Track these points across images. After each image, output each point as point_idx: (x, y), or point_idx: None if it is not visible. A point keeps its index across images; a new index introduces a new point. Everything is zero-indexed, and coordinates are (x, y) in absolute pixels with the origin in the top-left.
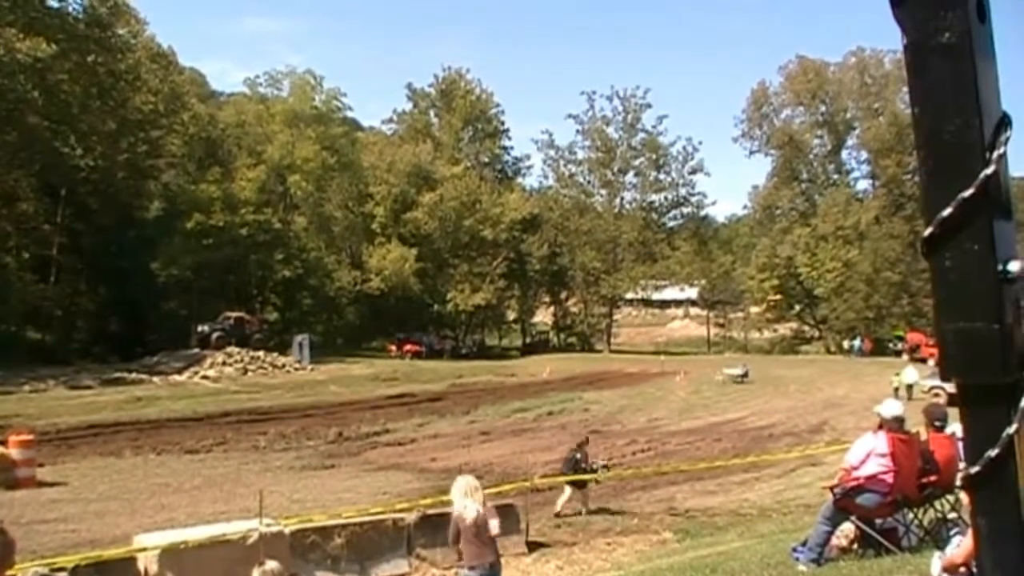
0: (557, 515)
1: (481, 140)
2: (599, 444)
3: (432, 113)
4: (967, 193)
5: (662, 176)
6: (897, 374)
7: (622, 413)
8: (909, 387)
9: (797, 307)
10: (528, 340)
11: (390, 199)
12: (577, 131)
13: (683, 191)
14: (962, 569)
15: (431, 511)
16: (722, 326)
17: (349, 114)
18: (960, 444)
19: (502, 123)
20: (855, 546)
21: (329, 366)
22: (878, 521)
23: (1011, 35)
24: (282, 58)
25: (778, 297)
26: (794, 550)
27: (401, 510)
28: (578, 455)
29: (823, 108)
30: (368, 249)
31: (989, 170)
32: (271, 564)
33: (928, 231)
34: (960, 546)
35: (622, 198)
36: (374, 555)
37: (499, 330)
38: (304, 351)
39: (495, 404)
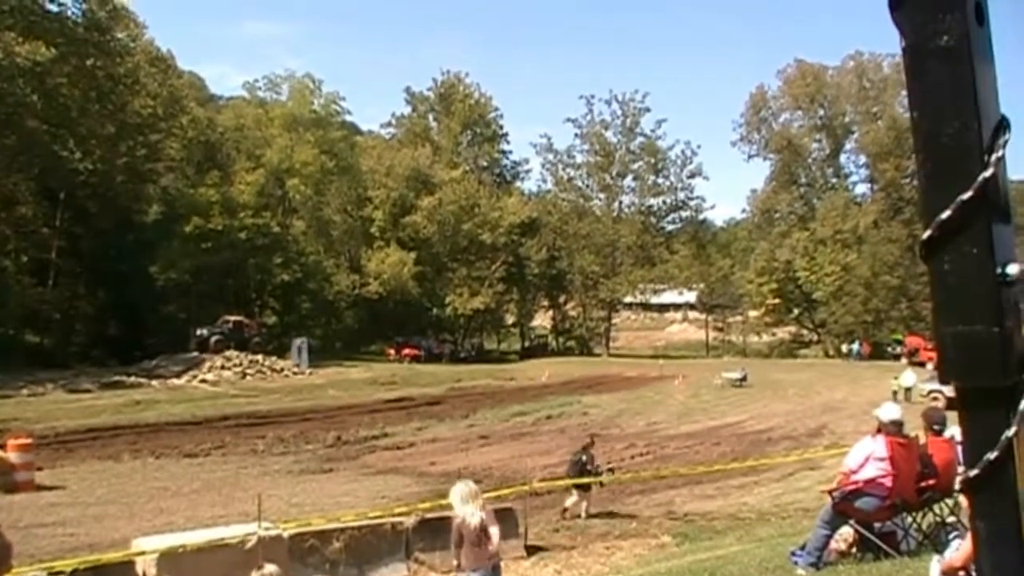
0: (564, 510)
1: (480, 144)
2: (597, 448)
3: (431, 117)
4: (966, 196)
5: (661, 180)
6: (896, 378)
7: (621, 417)
8: (907, 391)
9: (796, 311)
10: (527, 344)
11: (389, 203)
12: (576, 135)
13: (682, 195)
14: (961, 573)
15: (430, 515)
16: (721, 330)
17: (348, 118)
18: (959, 448)
19: (501, 127)
20: (854, 550)
21: (327, 370)
22: (877, 525)
23: (1009, 38)
24: (281, 62)
25: (776, 301)
26: (793, 554)
27: (400, 514)
28: (583, 457)
29: (821, 112)
30: (367, 253)
31: (988, 173)
32: (269, 568)
33: (927, 234)
34: (959, 550)
35: (621, 202)
36: (372, 559)
37: (498, 334)
38: (303, 355)
39: (494, 408)
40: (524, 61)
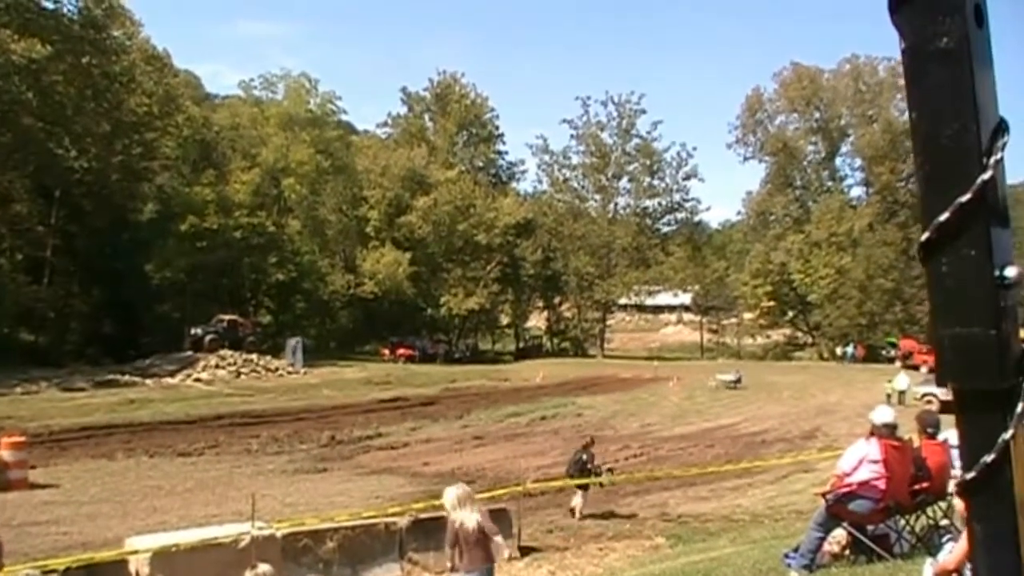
0: (572, 510)
1: (475, 145)
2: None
3: (427, 117)
4: (964, 198)
5: (656, 181)
6: (889, 381)
7: (615, 418)
8: (901, 394)
9: (790, 313)
10: (522, 345)
11: (384, 203)
12: (571, 136)
13: (677, 197)
14: (954, 575)
15: (423, 515)
16: (715, 332)
17: (344, 118)
18: (952, 451)
19: (496, 128)
20: (847, 552)
21: (322, 370)
22: (870, 527)
23: (1009, 40)
24: (277, 61)
25: (771, 303)
26: (786, 556)
27: (393, 514)
28: (584, 456)
29: (817, 115)
30: (362, 253)
31: (986, 175)
32: (263, 567)
33: (925, 236)
34: (952, 552)
35: (616, 203)
36: (366, 559)
37: (492, 334)
38: (297, 354)
39: (488, 408)
40: (520, 62)
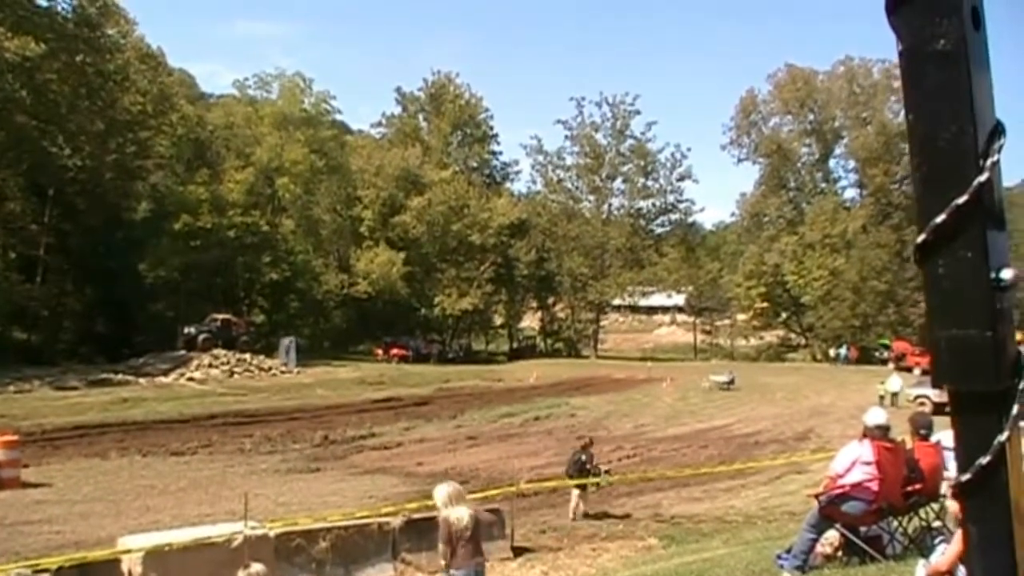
0: (574, 519)
1: (470, 145)
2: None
3: (421, 117)
4: (961, 200)
5: (650, 182)
6: (882, 382)
7: (608, 419)
8: (894, 395)
9: (784, 315)
10: (515, 345)
11: (378, 203)
12: (566, 137)
13: (671, 198)
14: None
15: (416, 515)
16: (709, 333)
17: (338, 117)
18: (945, 453)
19: (491, 128)
20: (840, 554)
21: (316, 369)
22: (863, 529)
23: (1006, 43)
24: (272, 61)
25: (765, 305)
26: (779, 557)
27: (387, 514)
28: (583, 457)
29: (811, 117)
30: (356, 252)
31: (983, 177)
32: (256, 567)
33: (921, 238)
34: (944, 554)
35: (610, 204)
36: (359, 559)
37: (486, 335)
38: (291, 354)
39: (482, 409)
40: (515, 62)
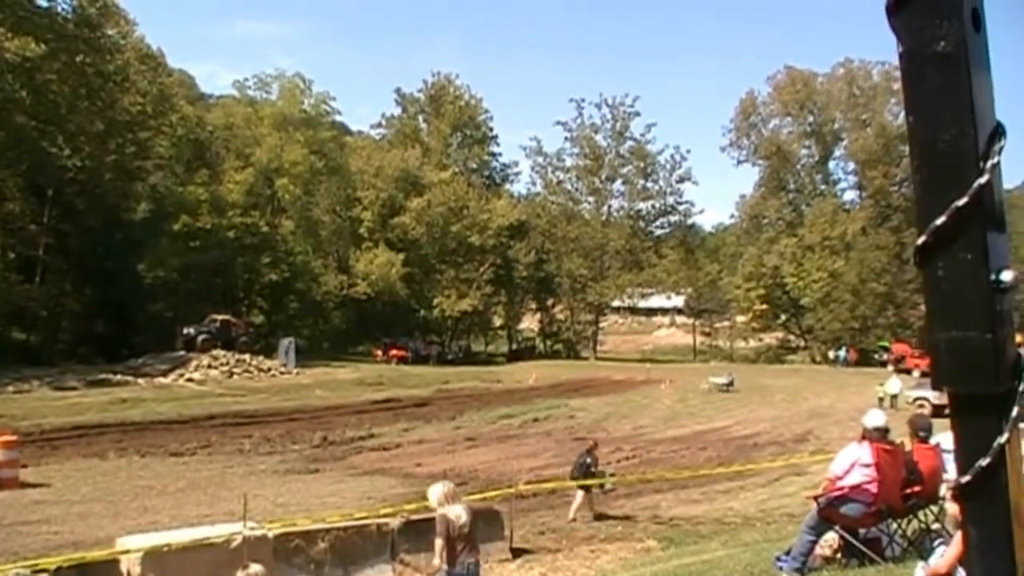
0: (572, 520)
1: (469, 146)
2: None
3: (421, 119)
4: (961, 202)
5: (650, 184)
6: (881, 384)
7: (607, 420)
8: (893, 397)
9: (783, 317)
10: (514, 346)
11: (378, 204)
12: (565, 138)
13: (670, 199)
14: None
15: (415, 516)
16: (708, 335)
17: (338, 118)
18: (944, 455)
19: (491, 129)
20: (839, 556)
21: (315, 370)
22: (862, 531)
23: (1006, 45)
24: (272, 61)
25: (764, 306)
26: (777, 559)
27: (385, 515)
28: (588, 459)
29: (811, 118)
30: (355, 253)
31: (983, 179)
32: (254, 568)
33: (921, 240)
34: (943, 556)
35: (610, 206)
36: (358, 560)
37: (485, 336)
38: (290, 355)
39: (481, 410)
40: (515, 64)
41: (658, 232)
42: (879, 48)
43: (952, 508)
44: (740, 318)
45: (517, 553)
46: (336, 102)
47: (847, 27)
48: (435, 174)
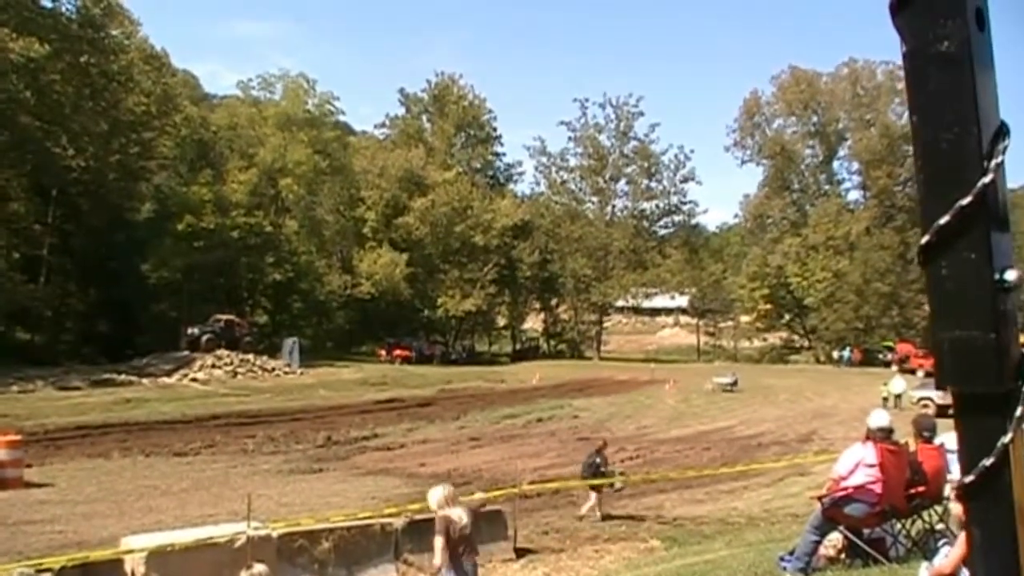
0: (582, 518)
1: (473, 146)
2: (589, 451)
3: (424, 118)
4: (965, 201)
5: (653, 184)
6: (885, 384)
7: (611, 420)
8: (897, 397)
9: (787, 316)
10: (518, 346)
11: (381, 204)
12: (569, 138)
13: (674, 199)
14: None
15: (419, 516)
16: (712, 335)
17: (341, 118)
18: (948, 455)
19: (494, 129)
20: (843, 556)
21: (318, 370)
22: (866, 531)
23: (1010, 44)
24: (274, 61)
25: (768, 306)
26: (781, 559)
27: (389, 515)
28: (597, 459)
29: (815, 118)
30: (359, 253)
31: (987, 179)
32: (258, 567)
33: (925, 239)
34: (948, 556)
35: (613, 206)
36: (361, 560)
37: (489, 336)
38: (294, 355)
39: (484, 410)
40: (519, 63)
41: (662, 232)
42: (883, 48)
43: (956, 508)
44: (744, 318)
45: (521, 553)
46: (340, 102)
47: (851, 27)
48: (439, 174)
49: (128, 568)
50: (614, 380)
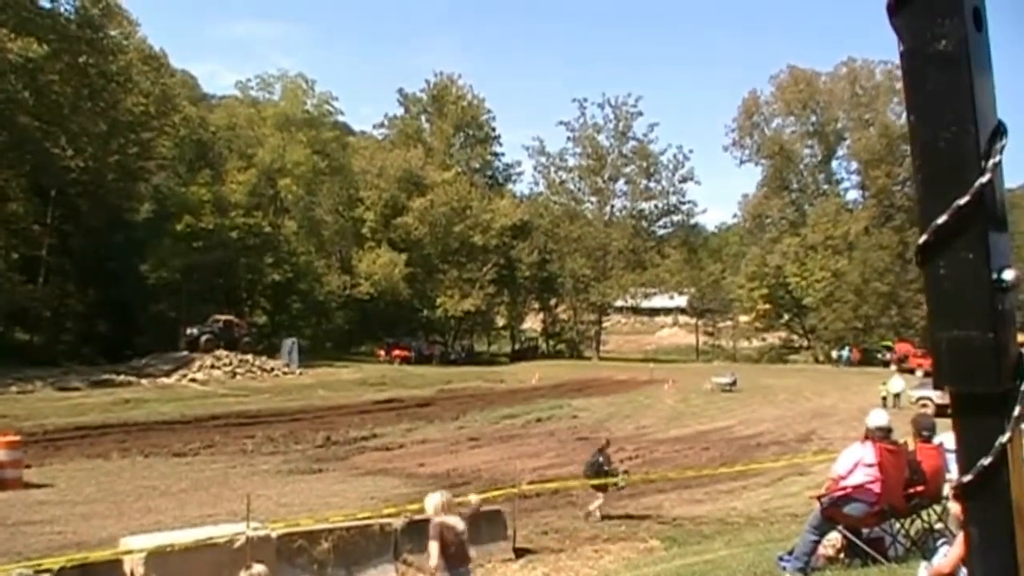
0: (588, 514)
1: (472, 146)
2: (588, 451)
3: (423, 119)
4: (962, 201)
5: (652, 184)
6: (884, 384)
7: (610, 420)
8: (896, 397)
9: (786, 316)
10: (517, 346)
11: (380, 204)
12: (568, 138)
13: (673, 199)
14: None
15: (418, 517)
16: (711, 335)
17: (340, 118)
18: (947, 455)
19: (493, 129)
20: (842, 555)
21: (317, 370)
22: (865, 531)
23: (1007, 43)
24: (272, 61)
25: (767, 306)
26: (780, 559)
27: (388, 515)
28: (600, 458)
29: (814, 118)
30: (358, 254)
31: (984, 178)
32: (257, 568)
33: (923, 239)
34: (947, 556)
35: (612, 206)
36: (361, 560)
37: (488, 336)
38: (293, 355)
39: (483, 410)
40: (517, 63)
41: (661, 232)
42: (882, 47)
43: (955, 508)
44: (743, 318)
45: (520, 553)
46: (339, 102)
47: (849, 27)
48: (438, 174)
49: (127, 568)
50: (613, 380)
